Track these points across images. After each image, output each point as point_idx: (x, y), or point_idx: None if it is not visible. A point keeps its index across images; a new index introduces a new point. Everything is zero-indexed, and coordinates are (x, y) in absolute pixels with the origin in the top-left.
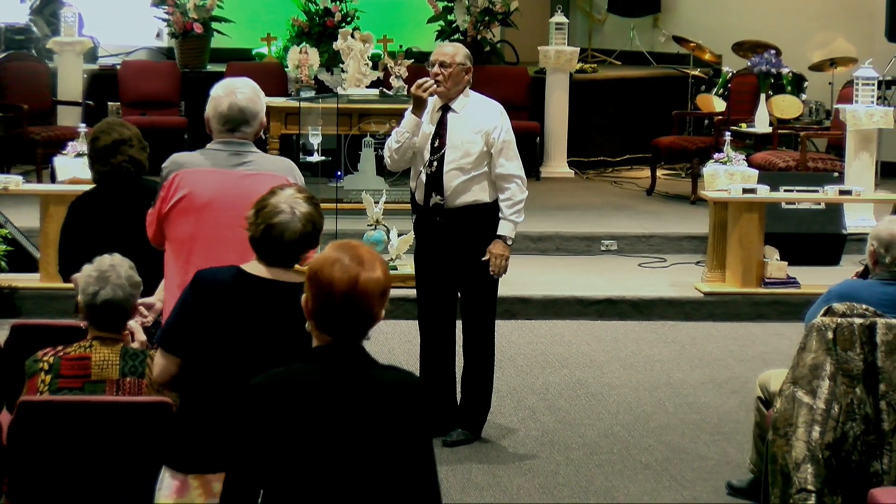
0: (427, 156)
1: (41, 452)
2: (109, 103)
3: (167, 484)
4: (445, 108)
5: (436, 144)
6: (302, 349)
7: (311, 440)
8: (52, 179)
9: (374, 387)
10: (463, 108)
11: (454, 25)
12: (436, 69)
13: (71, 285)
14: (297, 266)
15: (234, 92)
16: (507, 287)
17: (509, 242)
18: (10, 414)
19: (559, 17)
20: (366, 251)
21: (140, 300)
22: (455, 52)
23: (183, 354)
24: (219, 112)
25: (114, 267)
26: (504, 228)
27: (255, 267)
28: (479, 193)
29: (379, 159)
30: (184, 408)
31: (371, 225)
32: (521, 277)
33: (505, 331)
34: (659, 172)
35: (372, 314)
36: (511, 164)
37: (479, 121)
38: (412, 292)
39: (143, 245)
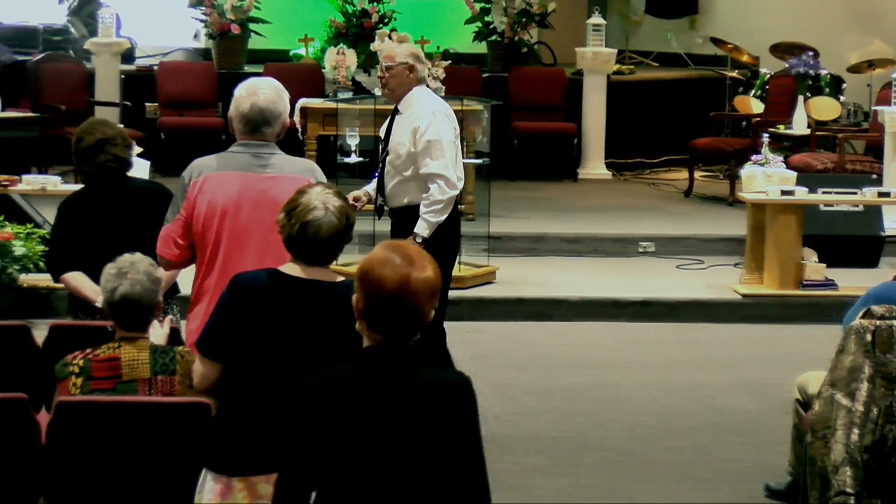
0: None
1: (79, 452)
2: (146, 104)
3: (209, 487)
4: (396, 110)
5: (383, 146)
6: (344, 349)
7: (360, 440)
8: None
9: (421, 387)
10: (406, 109)
11: (491, 27)
12: (380, 71)
13: (61, 285)
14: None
15: (256, 92)
16: (542, 289)
17: (418, 240)
18: (49, 414)
19: (596, 19)
20: (416, 251)
21: None
22: (395, 52)
23: (223, 360)
24: (240, 112)
25: (133, 263)
26: (418, 226)
27: (291, 268)
28: (415, 194)
29: None
30: (225, 410)
31: None
32: (556, 279)
33: (538, 332)
34: (696, 174)
35: (422, 314)
36: (435, 163)
37: (411, 121)
38: None
39: (132, 243)
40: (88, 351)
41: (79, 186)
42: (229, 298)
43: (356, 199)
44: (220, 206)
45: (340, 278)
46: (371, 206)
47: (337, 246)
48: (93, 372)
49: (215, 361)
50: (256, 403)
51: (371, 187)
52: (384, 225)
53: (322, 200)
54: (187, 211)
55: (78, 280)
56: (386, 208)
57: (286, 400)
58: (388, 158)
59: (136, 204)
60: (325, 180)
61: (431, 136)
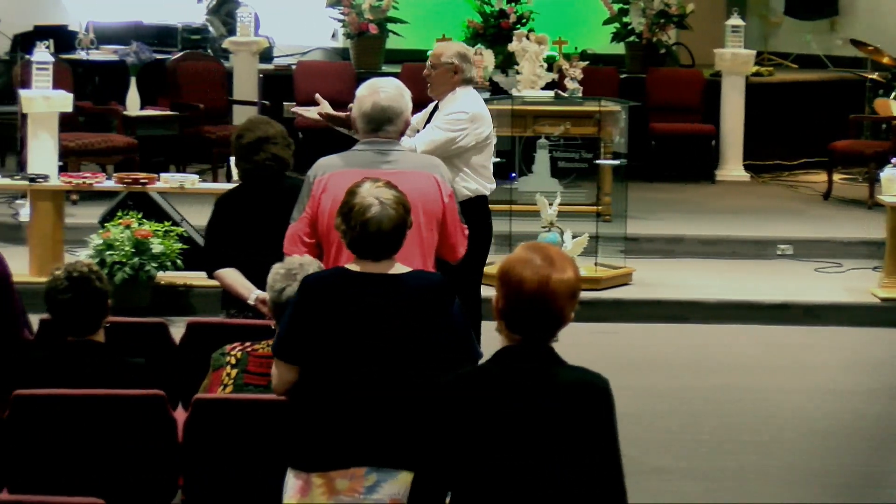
0: None
1: (216, 450)
2: (285, 103)
3: (291, 484)
4: (436, 107)
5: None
6: (416, 340)
7: (498, 440)
8: (228, 178)
9: (560, 387)
10: (444, 108)
11: (629, 27)
12: (426, 70)
13: (216, 282)
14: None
15: (377, 91)
16: (678, 291)
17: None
18: (186, 411)
19: (735, 20)
20: (556, 252)
21: (261, 294)
22: (442, 51)
23: (300, 362)
24: (362, 111)
25: (302, 266)
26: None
27: (358, 265)
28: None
29: (553, 161)
30: (304, 407)
31: (545, 227)
32: (692, 281)
33: (675, 334)
34: (835, 176)
35: (561, 315)
36: (421, 137)
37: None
38: None
39: (282, 241)
40: (248, 344)
41: (217, 186)
42: (300, 300)
43: None
44: None
45: (405, 270)
46: None
47: (401, 237)
48: (249, 366)
49: (293, 364)
50: (332, 399)
51: None
52: None
53: (375, 196)
54: (312, 209)
55: (232, 277)
56: None
57: (361, 394)
58: None
59: (289, 203)
60: (449, 176)
61: (441, 124)
